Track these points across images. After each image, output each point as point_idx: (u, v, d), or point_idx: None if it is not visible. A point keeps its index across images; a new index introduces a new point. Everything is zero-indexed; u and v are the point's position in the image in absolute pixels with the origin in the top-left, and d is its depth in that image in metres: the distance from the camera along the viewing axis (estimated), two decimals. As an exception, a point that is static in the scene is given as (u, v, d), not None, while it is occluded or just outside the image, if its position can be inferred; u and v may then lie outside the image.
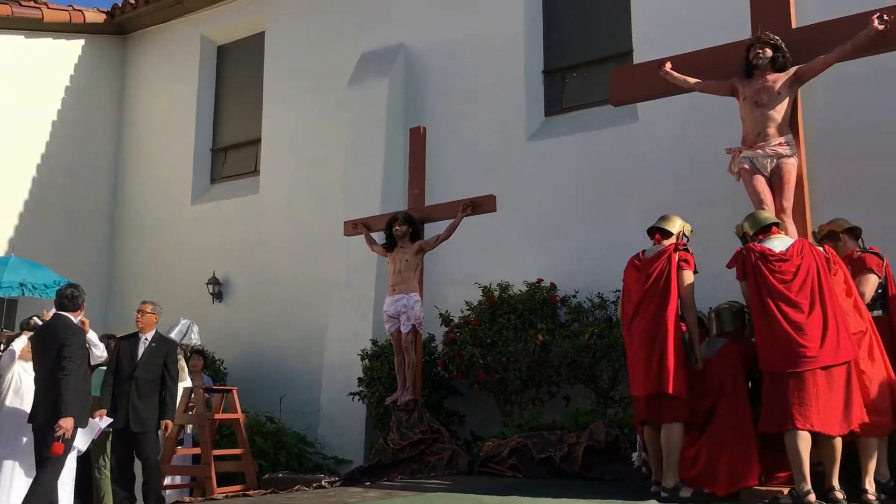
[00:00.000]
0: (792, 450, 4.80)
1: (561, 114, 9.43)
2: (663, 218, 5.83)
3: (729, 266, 5.41)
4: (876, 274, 5.57)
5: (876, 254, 5.65)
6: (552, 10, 9.68)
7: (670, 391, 5.18)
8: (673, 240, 5.64)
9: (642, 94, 6.94)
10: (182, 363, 8.15)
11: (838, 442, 4.83)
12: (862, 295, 5.39)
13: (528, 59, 9.47)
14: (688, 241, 5.74)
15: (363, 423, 9.09)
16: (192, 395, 7.82)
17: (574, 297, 8.32)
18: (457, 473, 7.17)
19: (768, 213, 5.65)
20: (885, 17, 5.75)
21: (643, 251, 5.74)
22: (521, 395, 8.15)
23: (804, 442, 4.79)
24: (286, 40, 11.54)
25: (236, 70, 12.50)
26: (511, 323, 8.17)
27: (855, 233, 5.91)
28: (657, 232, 5.73)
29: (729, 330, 5.66)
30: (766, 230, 5.37)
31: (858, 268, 5.59)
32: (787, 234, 5.53)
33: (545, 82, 9.59)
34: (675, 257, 5.48)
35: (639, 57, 8.58)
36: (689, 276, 5.48)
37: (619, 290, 7.76)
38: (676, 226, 5.74)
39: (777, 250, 5.16)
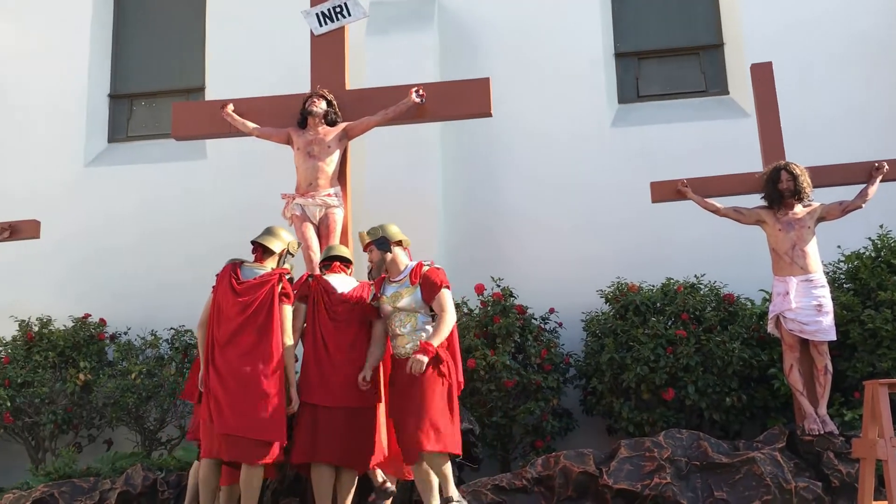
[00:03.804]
0: (317, 481, 5.05)
1: (125, 142, 9.01)
2: (269, 232, 5.41)
3: (294, 289, 5.33)
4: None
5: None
6: (122, 31, 9.26)
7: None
8: (274, 262, 5.35)
9: (204, 131, 6.90)
10: None
11: (354, 476, 5.16)
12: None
13: (91, 81, 8.91)
14: (292, 257, 5.49)
15: None
16: None
17: (125, 334, 7.93)
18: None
19: (343, 247, 5.73)
20: (421, 92, 6.51)
21: (239, 265, 5.27)
22: (56, 440, 7.50)
23: (329, 476, 5.06)
24: None
25: None
26: (49, 361, 7.50)
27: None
28: (259, 247, 5.37)
29: None
30: (329, 263, 5.50)
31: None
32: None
33: (111, 107, 9.10)
34: (278, 289, 5.12)
35: (211, 94, 8.60)
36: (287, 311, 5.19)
37: (172, 328, 7.71)
38: (279, 244, 5.36)
39: (339, 290, 5.34)
